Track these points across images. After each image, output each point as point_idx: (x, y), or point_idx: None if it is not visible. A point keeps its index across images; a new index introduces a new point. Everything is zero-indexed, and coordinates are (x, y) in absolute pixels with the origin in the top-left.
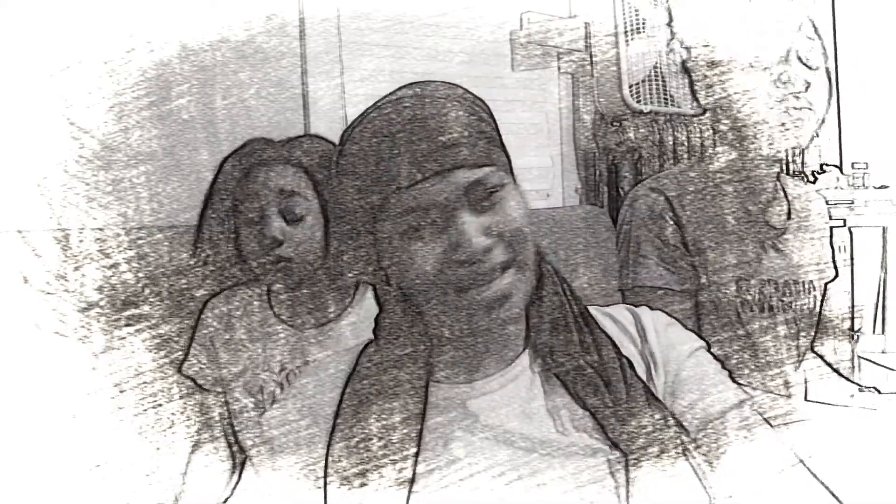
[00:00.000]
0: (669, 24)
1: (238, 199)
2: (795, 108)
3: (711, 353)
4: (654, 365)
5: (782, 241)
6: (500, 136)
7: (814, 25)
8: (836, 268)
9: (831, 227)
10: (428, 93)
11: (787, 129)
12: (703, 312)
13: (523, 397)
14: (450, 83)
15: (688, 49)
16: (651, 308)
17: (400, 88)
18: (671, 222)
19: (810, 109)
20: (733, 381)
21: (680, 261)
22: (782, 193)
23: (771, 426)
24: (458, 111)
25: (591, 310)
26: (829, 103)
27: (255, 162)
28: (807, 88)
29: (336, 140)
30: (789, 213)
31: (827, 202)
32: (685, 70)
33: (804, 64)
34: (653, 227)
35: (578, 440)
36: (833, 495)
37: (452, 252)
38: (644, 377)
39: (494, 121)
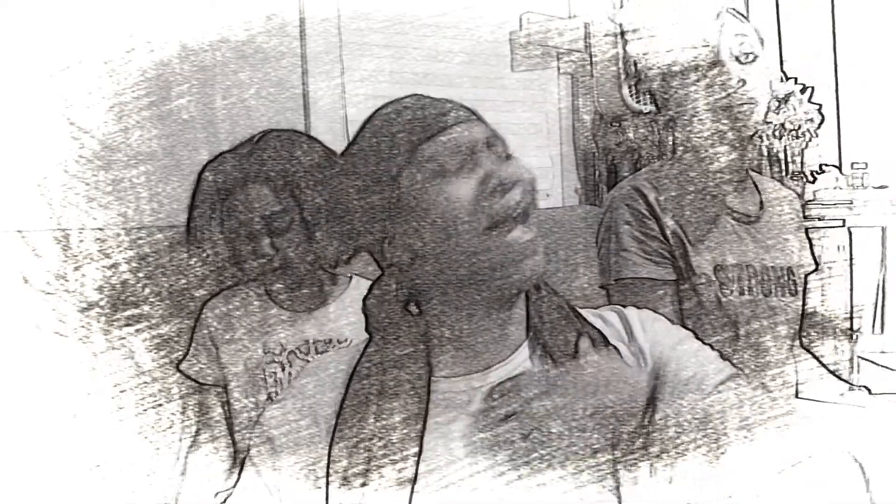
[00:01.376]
0: (623, 37)
1: (228, 212)
2: (739, 105)
3: (700, 340)
4: (644, 360)
5: (756, 228)
6: None
7: (737, 15)
8: (815, 259)
9: (805, 218)
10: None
11: (735, 128)
12: (704, 312)
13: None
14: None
15: (627, 55)
16: (638, 307)
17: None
18: (648, 215)
19: (752, 104)
20: (724, 358)
21: (661, 251)
22: (752, 184)
23: (766, 416)
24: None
25: (582, 312)
26: (771, 87)
27: (232, 184)
28: (743, 84)
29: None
30: (762, 203)
31: (800, 195)
32: (630, 76)
33: (738, 60)
34: (631, 222)
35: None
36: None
37: (484, 184)
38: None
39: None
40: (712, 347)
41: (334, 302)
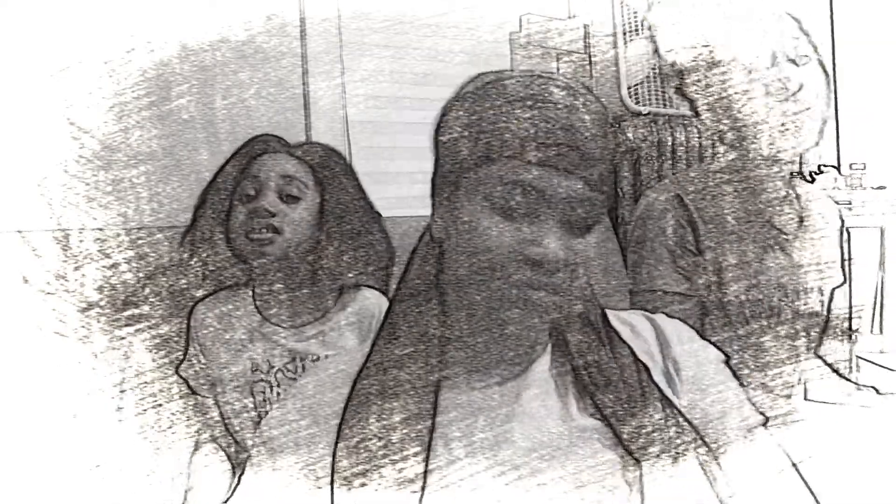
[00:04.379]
0: (652, 36)
1: (237, 185)
2: (794, 112)
3: (730, 367)
4: (679, 382)
5: (791, 244)
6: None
7: (794, 19)
8: (844, 273)
9: (841, 231)
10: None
11: (789, 132)
12: (703, 312)
13: (536, 403)
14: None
15: (659, 56)
16: (669, 316)
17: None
18: (687, 227)
19: (809, 110)
20: (749, 402)
21: (694, 265)
22: (794, 196)
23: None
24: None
25: (608, 313)
26: (828, 98)
27: (260, 152)
28: (800, 89)
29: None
30: (801, 219)
31: (837, 203)
32: (671, 76)
33: (793, 63)
34: (669, 231)
35: (585, 449)
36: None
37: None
38: (666, 390)
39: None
40: (741, 383)
41: (336, 314)
